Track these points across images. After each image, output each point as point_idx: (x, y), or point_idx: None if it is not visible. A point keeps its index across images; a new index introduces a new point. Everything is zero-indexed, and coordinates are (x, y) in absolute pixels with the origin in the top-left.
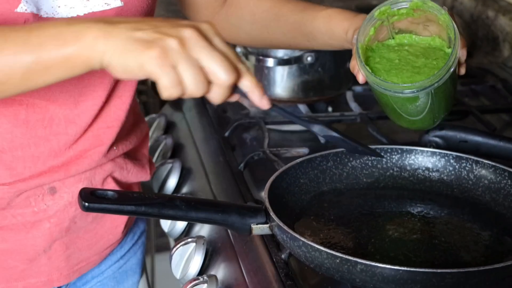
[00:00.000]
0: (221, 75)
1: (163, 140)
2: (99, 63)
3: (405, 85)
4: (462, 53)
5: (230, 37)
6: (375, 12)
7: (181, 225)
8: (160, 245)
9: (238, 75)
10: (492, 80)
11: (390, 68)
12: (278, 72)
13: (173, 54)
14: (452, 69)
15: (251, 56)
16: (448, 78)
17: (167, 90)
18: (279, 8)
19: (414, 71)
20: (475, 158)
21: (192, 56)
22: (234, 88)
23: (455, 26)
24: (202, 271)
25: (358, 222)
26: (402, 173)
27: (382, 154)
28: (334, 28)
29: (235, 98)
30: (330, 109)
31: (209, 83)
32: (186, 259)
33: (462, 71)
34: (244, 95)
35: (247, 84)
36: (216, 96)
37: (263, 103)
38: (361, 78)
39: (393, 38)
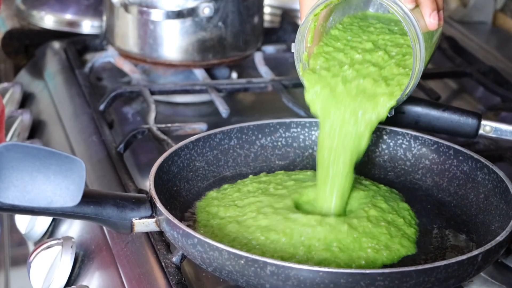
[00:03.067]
0: None
1: (18, 116)
2: None
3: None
4: (430, 20)
5: None
6: (307, 21)
7: (42, 223)
8: (17, 255)
9: None
10: None
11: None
12: (167, 28)
13: None
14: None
15: (131, 7)
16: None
17: None
18: None
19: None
20: (414, 133)
21: None
22: None
23: (419, 29)
24: (71, 281)
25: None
26: None
27: (299, 129)
28: None
29: None
30: (234, 75)
31: None
32: (50, 267)
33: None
34: None
35: None
36: None
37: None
38: None
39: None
